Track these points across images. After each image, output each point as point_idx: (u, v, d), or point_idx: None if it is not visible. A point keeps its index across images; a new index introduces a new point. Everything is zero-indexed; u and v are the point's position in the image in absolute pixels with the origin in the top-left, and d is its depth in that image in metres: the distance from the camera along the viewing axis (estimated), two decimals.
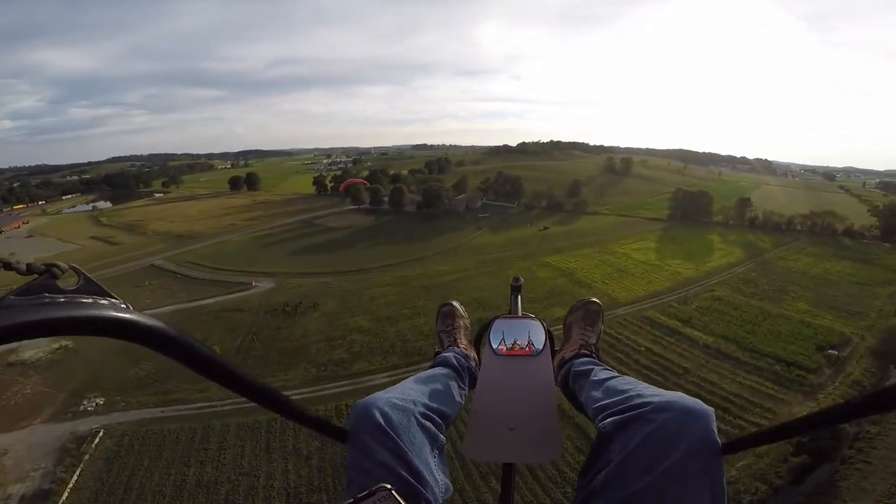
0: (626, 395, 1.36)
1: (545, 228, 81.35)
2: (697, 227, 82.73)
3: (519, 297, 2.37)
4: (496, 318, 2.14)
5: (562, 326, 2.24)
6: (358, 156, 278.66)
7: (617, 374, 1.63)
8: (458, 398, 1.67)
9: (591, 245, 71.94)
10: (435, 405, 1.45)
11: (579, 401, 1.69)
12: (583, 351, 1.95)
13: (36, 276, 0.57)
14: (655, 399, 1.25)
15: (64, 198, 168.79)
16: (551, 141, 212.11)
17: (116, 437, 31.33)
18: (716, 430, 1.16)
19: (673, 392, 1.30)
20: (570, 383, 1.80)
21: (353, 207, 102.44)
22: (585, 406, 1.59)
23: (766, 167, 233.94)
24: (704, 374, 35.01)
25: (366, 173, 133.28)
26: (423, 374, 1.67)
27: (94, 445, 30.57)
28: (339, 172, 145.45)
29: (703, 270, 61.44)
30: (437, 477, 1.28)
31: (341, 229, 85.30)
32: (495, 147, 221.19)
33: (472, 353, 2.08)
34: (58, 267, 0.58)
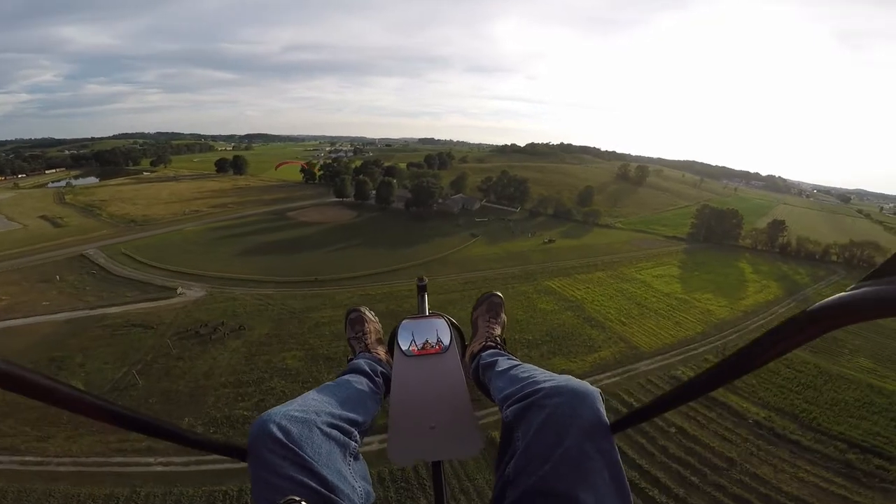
0: (524, 384, 1.36)
1: (550, 241, 67.29)
2: (724, 252, 69.71)
3: (425, 295, 2.24)
4: (403, 319, 2.03)
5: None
6: (362, 146, 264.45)
7: (519, 363, 1.64)
8: (371, 403, 1.61)
9: (604, 267, 58.19)
10: (342, 412, 1.38)
11: (489, 392, 1.67)
12: (489, 343, 1.96)
13: None
14: (547, 385, 1.28)
15: (47, 172, 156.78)
16: (561, 143, 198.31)
17: None
18: (603, 410, 1.20)
19: (563, 376, 1.34)
20: (481, 376, 1.79)
21: (335, 200, 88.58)
22: (493, 397, 1.58)
23: (780, 185, 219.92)
24: (755, 465, 25.64)
25: (358, 163, 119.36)
26: (329, 382, 1.58)
27: None
28: (329, 161, 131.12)
29: (739, 309, 48.49)
30: (353, 484, 1.22)
31: (314, 225, 71.71)
32: (502, 146, 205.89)
33: (387, 358, 2.00)
34: None
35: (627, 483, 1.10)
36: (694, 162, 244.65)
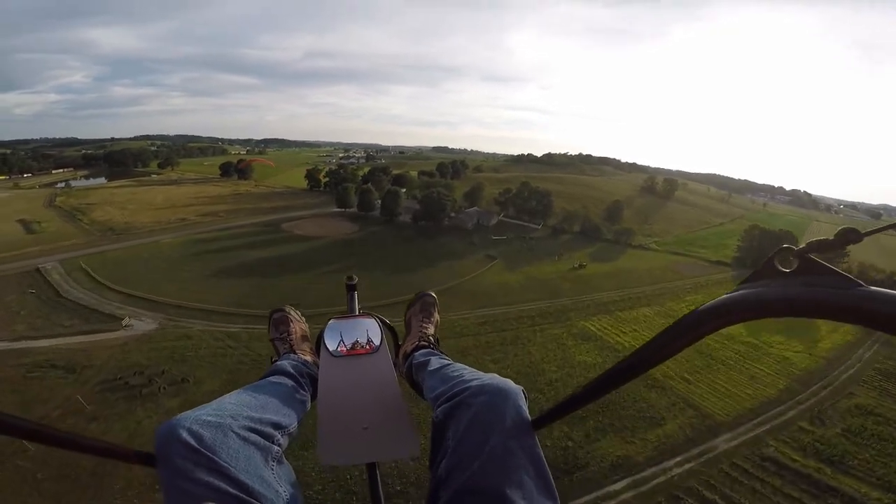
0: (453, 383, 1.36)
1: (580, 266, 55.99)
2: None
3: (355, 294, 2.13)
4: (330, 319, 1.95)
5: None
6: (376, 153, 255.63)
7: (450, 362, 1.63)
8: (297, 405, 1.51)
9: (648, 301, 47.06)
10: (263, 416, 1.28)
11: (422, 391, 1.65)
12: (422, 343, 1.91)
13: None
14: (473, 383, 1.28)
15: (54, 171, 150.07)
16: (580, 154, 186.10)
17: None
18: (525, 407, 1.22)
19: (488, 374, 1.34)
20: (414, 375, 1.75)
21: (337, 211, 78.43)
22: (426, 396, 1.56)
23: (806, 200, 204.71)
24: None
25: (366, 170, 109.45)
26: (248, 385, 1.47)
27: None
28: (334, 167, 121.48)
29: (819, 355, 37.94)
30: (278, 489, 1.14)
31: (307, 240, 61.42)
32: (518, 156, 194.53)
33: (314, 359, 1.89)
34: None
35: (552, 478, 1.11)
36: (715, 175, 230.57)
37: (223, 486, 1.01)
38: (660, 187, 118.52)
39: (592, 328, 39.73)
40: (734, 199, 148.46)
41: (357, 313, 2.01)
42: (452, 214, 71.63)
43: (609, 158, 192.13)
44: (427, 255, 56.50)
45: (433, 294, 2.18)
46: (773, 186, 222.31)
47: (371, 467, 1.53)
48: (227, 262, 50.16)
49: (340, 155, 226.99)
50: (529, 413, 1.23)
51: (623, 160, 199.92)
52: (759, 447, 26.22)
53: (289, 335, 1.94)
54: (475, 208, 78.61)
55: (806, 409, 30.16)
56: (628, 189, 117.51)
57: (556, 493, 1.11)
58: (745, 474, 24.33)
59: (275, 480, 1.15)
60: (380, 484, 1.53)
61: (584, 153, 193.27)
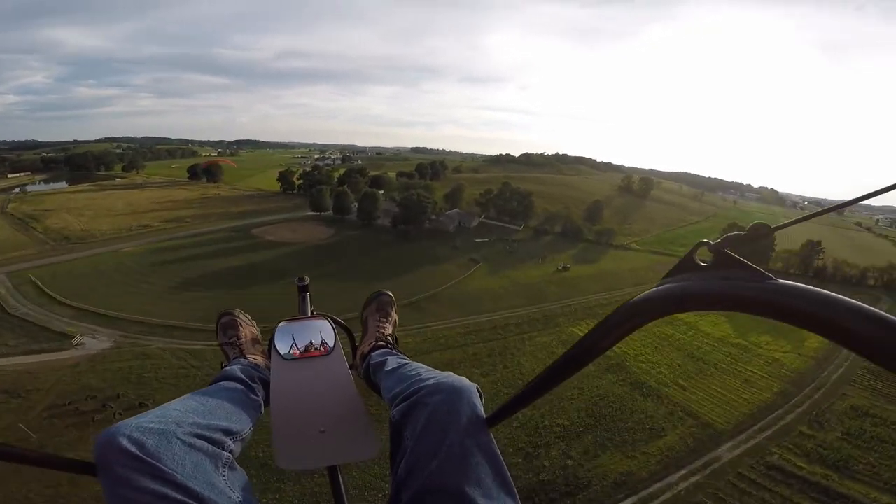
0: (409, 382, 1.35)
1: (564, 268, 54.80)
2: None
3: (307, 295, 2.08)
4: (280, 321, 1.88)
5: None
6: (352, 154, 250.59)
7: (408, 361, 1.62)
8: (248, 410, 1.46)
9: None
10: (210, 422, 1.24)
11: (380, 392, 1.62)
12: (379, 343, 1.86)
13: None
14: (430, 382, 1.28)
15: (10, 175, 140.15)
16: (557, 153, 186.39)
17: None
18: (480, 405, 1.22)
19: (443, 373, 1.34)
20: (371, 376, 1.73)
21: (311, 214, 75.11)
22: (384, 396, 1.54)
23: (773, 197, 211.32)
24: None
25: (341, 171, 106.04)
26: (194, 392, 1.42)
27: None
28: (308, 169, 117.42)
29: (807, 355, 37.44)
30: (231, 495, 1.11)
31: (280, 246, 58.25)
32: (496, 156, 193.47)
33: (265, 363, 1.81)
34: None
35: (510, 475, 1.12)
36: (685, 173, 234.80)
37: (170, 493, 0.98)
38: (636, 186, 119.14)
39: (581, 334, 37.25)
40: (706, 197, 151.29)
41: (309, 315, 1.92)
42: (433, 217, 69.50)
43: (585, 158, 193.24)
44: (407, 260, 54.24)
45: (390, 293, 2.07)
46: (742, 184, 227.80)
47: (332, 470, 1.49)
48: (192, 273, 46.69)
49: (316, 156, 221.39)
50: (484, 410, 1.23)
51: (598, 160, 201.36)
52: (763, 455, 25.49)
53: (238, 339, 1.85)
54: (456, 210, 76.72)
55: (804, 413, 29.93)
56: (606, 188, 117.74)
57: (515, 490, 1.10)
58: (753, 485, 23.82)
59: (227, 487, 1.11)
60: (342, 487, 1.49)
61: (561, 153, 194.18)
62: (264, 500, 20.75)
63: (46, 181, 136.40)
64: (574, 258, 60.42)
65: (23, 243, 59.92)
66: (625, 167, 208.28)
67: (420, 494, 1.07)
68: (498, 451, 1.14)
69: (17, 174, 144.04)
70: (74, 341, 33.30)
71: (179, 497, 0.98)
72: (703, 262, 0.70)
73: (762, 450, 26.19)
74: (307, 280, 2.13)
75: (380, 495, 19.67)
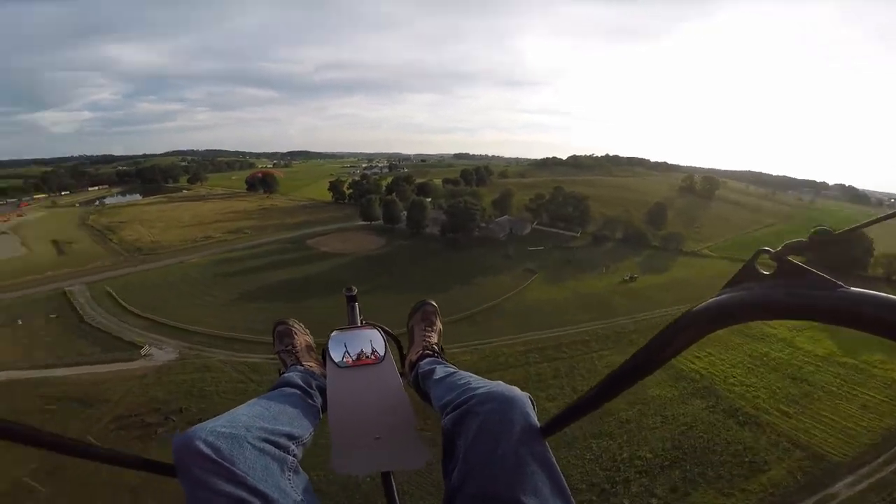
0: (460, 391, 1.36)
1: (632, 278, 50.59)
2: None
3: (356, 305, 2.07)
4: (332, 331, 1.89)
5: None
6: (398, 161, 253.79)
7: (456, 370, 1.62)
8: (308, 416, 1.49)
9: None
10: (276, 427, 1.28)
11: (430, 400, 1.61)
12: (426, 352, 1.86)
13: None
14: (481, 391, 1.27)
15: (90, 189, 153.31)
16: (607, 155, 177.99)
17: None
18: (533, 414, 1.21)
19: (495, 382, 1.33)
20: (421, 384, 1.71)
21: (362, 224, 75.11)
22: (434, 405, 1.54)
23: (854, 195, 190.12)
24: None
25: (389, 180, 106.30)
26: (258, 398, 1.45)
27: None
28: (357, 178, 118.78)
29: None
30: (296, 498, 1.15)
31: (333, 257, 58.13)
32: (543, 159, 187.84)
33: (321, 370, 1.82)
34: None
35: (566, 484, 1.10)
36: (750, 172, 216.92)
37: (244, 495, 1.02)
38: (699, 186, 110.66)
39: None
40: (778, 197, 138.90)
41: (359, 324, 1.94)
42: (483, 224, 67.16)
43: (638, 158, 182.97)
44: (460, 270, 52.19)
45: (433, 303, 2.09)
46: (816, 182, 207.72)
47: (386, 476, 1.54)
48: (252, 285, 47.22)
49: (364, 165, 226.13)
50: (538, 420, 1.21)
51: (653, 160, 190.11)
52: (891, 491, 21.83)
53: (293, 347, 1.90)
54: (506, 217, 73.91)
55: None
56: (665, 189, 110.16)
57: (573, 499, 1.08)
58: None
59: (292, 490, 1.15)
60: (395, 492, 1.53)
61: (611, 154, 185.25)
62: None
63: (122, 193, 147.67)
64: (640, 266, 55.89)
65: (100, 254, 64.02)
66: (682, 167, 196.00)
67: (474, 501, 1.06)
68: (554, 460, 1.12)
69: (96, 187, 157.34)
70: (143, 352, 34.06)
71: (252, 499, 1.02)
72: (765, 270, 0.69)
73: (890, 485, 22.14)
74: (355, 290, 2.11)
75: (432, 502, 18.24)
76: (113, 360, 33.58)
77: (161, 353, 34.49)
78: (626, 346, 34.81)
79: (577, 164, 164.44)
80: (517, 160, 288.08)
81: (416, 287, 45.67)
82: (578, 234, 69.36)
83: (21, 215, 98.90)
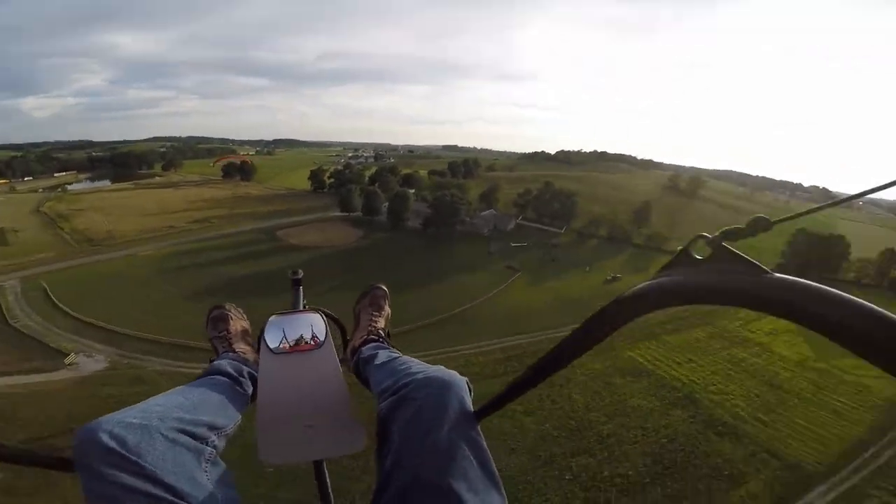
0: (399, 376, 1.33)
1: (614, 279, 47.77)
2: None
3: (300, 289, 2.03)
4: (271, 315, 1.80)
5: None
6: (385, 152, 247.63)
7: (398, 355, 1.58)
8: (235, 405, 1.43)
9: (698, 322, 39.02)
10: (195, 417, 1.22)
11: (370, 386, 1.58)
12: (370, 337, 1.83)
13: None
14: (419, 376, 1.25)
15: (56, 175, 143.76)
16: (595, 151, 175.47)
17: None
18: (469, 399, 1.20)
19: (433, 367, 1.32)
20: (361, 370, 1.68)
21: (341, 215, 70.66)
22: (373, 390, 1.51)
23: (827, 196, 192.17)
24: None
25: (373, 170, 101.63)
26: (180, 386, 1.38)
27: None
28: (340, 167, 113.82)
29: None
30: (213, 491, 1.10)
31: (305, 250, 53.93)
32: (532, 153, 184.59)
33: (255, 357, 1.76)
34: None
35: (496, 469, 1.10)
36: (733, 172, 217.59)
37: (150, 488, 0.97)
38: (684, 186, 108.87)
39: (641, 359, 32.17)
40: (755, 197, 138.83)
41: (301, 308, 1.87)
42: (466, 219, 63.45)
43: (625, 155, 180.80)
44: (439, 267, 48.52)
45: (384, 287, 2.08)
46: (793, 183, 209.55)
47: (318, 465, 1.50)
48: (207, 280, 42.71)
49: (350, 154, 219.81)
50: (472, 404, 1.21)
51: (639, 157, 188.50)
52: (860, 499, 21.60)
53: (228, 333, 1.82)
54: (490, 211, 70.42)
55: None
56: (651, 188, 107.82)
57: (501, 484, 1.09)
58: None
59: (208, 482, 1.11)
60: (328, 480, 1.50)
61: (599, 150, 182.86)
62: None
63: (91, 179, 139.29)
64: (624, 265, 53.18)
65: (46, 245, 58.15)
66: (666, 165, 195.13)
67: (405, 488, 1.04)
68: (485, 444, 1.12)
69: (63, 173, 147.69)
70: (67, 361, 29.57)
71: (159, 493, 0.97)
72: (699, 256, 0.69)
73: (860, 493, 21.89)
74: (301, 273, 2.05)
75: (364, 487, 16.81)
76: (32, 369, 29.03)
77: (89, 361, 30.06)
78: (608, 353, 32.01)
79: (566, 159, 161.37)
80: (506, 153, 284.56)
81: (391, 286, 41.27)
82: (563, 231, 66.33)
83: None
